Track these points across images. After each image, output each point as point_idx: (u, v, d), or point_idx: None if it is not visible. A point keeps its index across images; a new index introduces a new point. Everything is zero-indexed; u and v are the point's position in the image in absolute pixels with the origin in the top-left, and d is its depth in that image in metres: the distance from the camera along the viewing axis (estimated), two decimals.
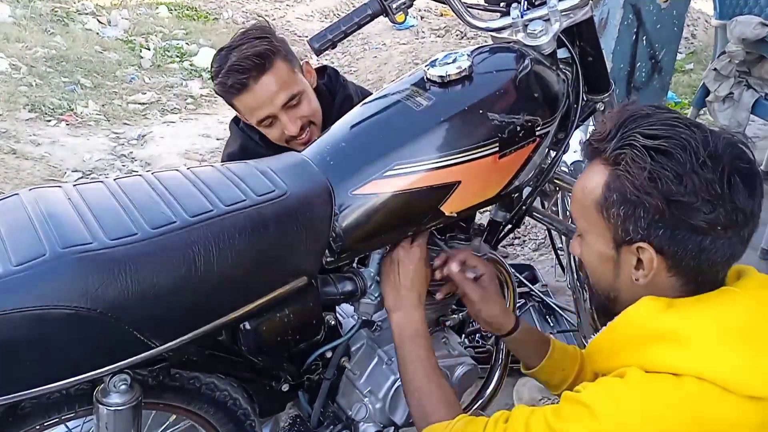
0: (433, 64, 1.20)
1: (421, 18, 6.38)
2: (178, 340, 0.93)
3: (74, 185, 1.01)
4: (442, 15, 6.38)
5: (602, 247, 0.95)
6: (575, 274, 1.66)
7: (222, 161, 1.60)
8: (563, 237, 1.67)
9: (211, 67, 1.56)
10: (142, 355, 0.90)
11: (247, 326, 1.05)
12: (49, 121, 3.90)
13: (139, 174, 1.05)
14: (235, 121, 1.70)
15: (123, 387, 0.94)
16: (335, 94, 1.68)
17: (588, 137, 0.97)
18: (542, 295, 2.07)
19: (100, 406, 0.95)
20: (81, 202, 0.95)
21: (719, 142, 0.87)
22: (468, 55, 1.19)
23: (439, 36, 6.02)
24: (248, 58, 1.45)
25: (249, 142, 1.63)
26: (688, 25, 5.78)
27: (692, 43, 5.69)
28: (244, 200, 1.00)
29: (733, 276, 0.95)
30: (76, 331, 0.85)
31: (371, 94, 1.85)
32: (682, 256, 0.89)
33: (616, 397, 0.87)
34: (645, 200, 0.87)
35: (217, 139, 3.95)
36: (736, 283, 0.92)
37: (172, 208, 0.96)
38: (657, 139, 0.87)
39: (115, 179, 1.03)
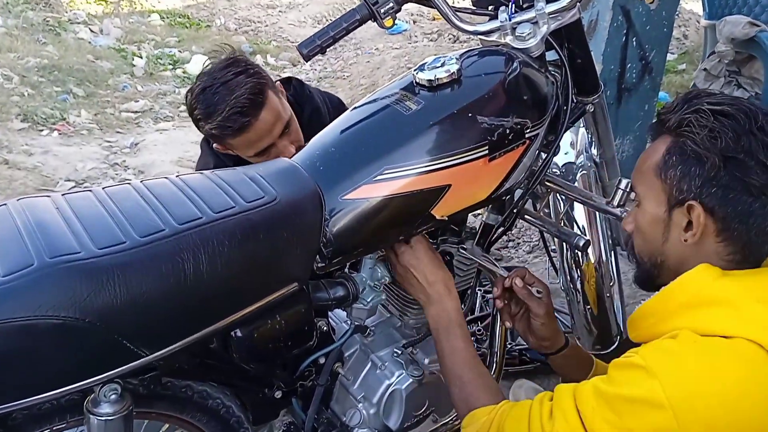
0: (422, 68, 1.20)
1: (414, 22, 6.40)
2: (168, 349, 0.93)
3: (62, 195, 1.00)
4: (434, 19, 6.40)
5: (656, 209, 0.99)
6: (568, 276, 1.66)
7: None
8: (555, 239, 1.67)
9: (192, 105, 1.52)
10: (132, 364, 0.90)
11: (239, 333, 1.05)
12: (42, 130, 3.89)
13: (127, 182, 1.05)
14: (207, 140, 1.68)
15: (113, 397, 0.94)
16: (303, 105, 1.69)
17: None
18: None
19: (91, 416, 0.94)
20: (69, 212, 0.95)
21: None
22: (457, 59, 1.19)
23: (431, 40, 6.03)
24: (246, 98, 1.45)
25: (221, 163, 1.62)
26: (679, 26, 5.81)
27: (684, 43, 5.71)
28: (234, 207, 1.00)
29: None
30: (64, 341, 0.84)
31: (339, 100, 1.86)
32: (731, 219, 0.92)
33: (674, 355, 0.88)
34: (703, 155, 0.92)
35: None
36: None
37: (160, 216, 0.95)
38: (721, 105, 0.93)
39: (103, 188, 1.02)
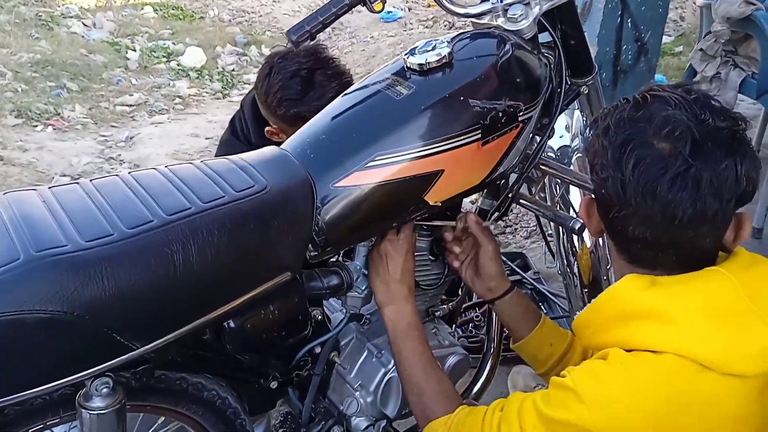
0: (412, 52, 1.18)
1: (409, 9, 6.36)
2: (159, 341, 0.92)
3: (49, 188, 0.99)
4: (429, 6, 6.34)
5: None
6: (564, 260, 1.65)
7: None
8: (551, 223, 1.66)
9: (276, 84, 1.53)
10: (123, 357, 0.89)
11: (231, 324, 1.04)
12: (36, 126, 3.87)
13: (115, 174, 1.04)
14: (234, 135, 1.68)
15: (105, 390, 0.93)
16: None
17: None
18: (535, 283, 2.06)
19: (83, 410, 0.93)
20: (56, 205, 0.93)
21: (651, 115, 0.87)
22: (448, 43, 1.18)
23: (427, 27, 5.98)
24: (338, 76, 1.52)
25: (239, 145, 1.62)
26: (676, 8, 5.76)
27: (680, 25, 5.67)
28: (223, 196, 0.99)
29: (723, 258, 0.94)
30: (53, 335, 0.83)
31: None
32: (602, 216, 0.95)
33: (600, 379, 0.87)
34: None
35: (206, 139, 3.92)
36: (723, 263, 0.92)
37: (148, 207, 0.94)
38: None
39: (90, 180, 1.01)
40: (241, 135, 1.67)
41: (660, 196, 0.84)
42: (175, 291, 0.92)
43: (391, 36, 5.69)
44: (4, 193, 0.98)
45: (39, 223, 0.89)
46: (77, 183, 1.00)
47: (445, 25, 5.86)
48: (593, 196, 0.97)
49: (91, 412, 0.93)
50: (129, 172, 1.03)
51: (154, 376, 1.03)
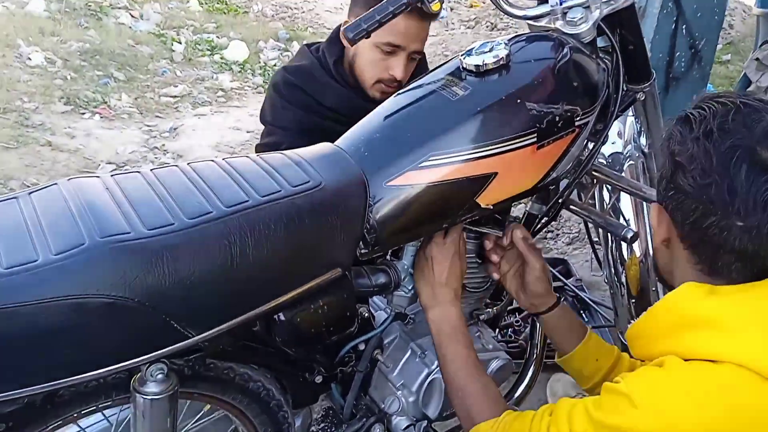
0: (469, 53, 1.17)
1: (451, 9, 6.33)
2: (213, 330, 0.93)
3: (112, 175, 1.01)
4: (471, 6, 6.32)
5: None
6: (612, 269, 1.62)
7: (275, 78, 1.66)
8: (600, 230, 1.64)
9: None
10: (179, 344, 0.90)
11: (282, 317, 1.05)
12: (84, 113, 3.96)
13: (174, 164, 1.05)
14: (308, 46, 1.73)
15: (160, 376, 0.95)
16: None
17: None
18: (576, 290, 2.03)
19: (137, 395, 0.96)
20: (119, 192, 0.96)
21: (749, 123, 0.85)
22: (505, 44, 1.17)
23: (469, 27, 5.96)
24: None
25: (311, 60, 1.65)
26: (725, 16, 5.64)
27: (729, 33, 5.54)
28: (280, 191, 1.00)
29: None
30: (113, 320, 0.85)
31: None
32: (685, 224, 0.90)
33: (655, 385, 0.86)
34: (665, 159, 0.93)
35: (248, 132, 3.97)
36: None
37: (208, 199, 0.95)
38: (689, 109, 0.91)
39: (151, 169, 1.03)
40: (314, 50, 1.69)
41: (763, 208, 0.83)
42: (230, 282, 0.93)
43: (433, 35, 5.65)
44: (69, 179, 1.00)
45: (103, 210, 0.91)
46: (139, 172, 1.02)
47: (486, 26, 5.83)
48: (664, 202, 0.94)
49: (145, 396, 0.95)
50: (188, 164, 1.05)
51: (204, 365, 1.04)
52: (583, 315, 1.98)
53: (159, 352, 0.89)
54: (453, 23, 6.05)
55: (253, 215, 0.95)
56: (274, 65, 5.29)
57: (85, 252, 0.84)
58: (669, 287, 0.99)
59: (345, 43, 1.59)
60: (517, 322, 1.89)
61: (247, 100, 4.60)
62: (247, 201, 0.96)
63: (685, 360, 0.86)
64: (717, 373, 0.83)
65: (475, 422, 1.08)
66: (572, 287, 2.02)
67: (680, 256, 0.94)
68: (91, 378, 0.88)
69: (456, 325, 1.18)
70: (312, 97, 1.60)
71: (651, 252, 1.48)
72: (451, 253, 1.19)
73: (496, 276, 1.28)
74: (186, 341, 0.90)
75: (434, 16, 1.53)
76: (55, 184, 0.99)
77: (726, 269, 0.89)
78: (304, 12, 6.66)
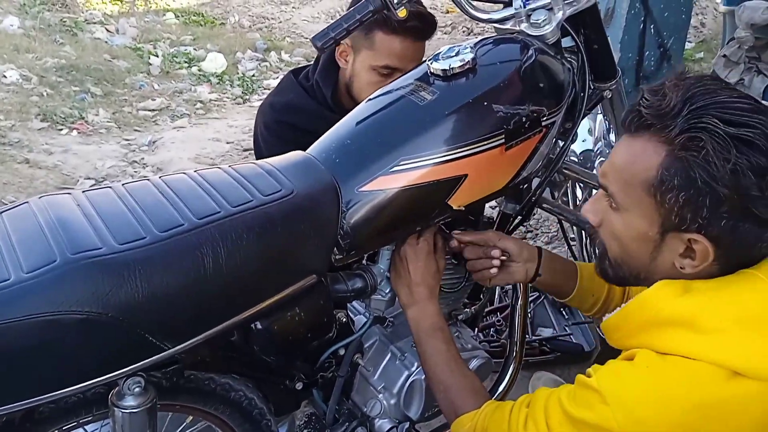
0: (436, 58, 1.19)
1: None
2: (190, 342, 0.94)
3: (83, 192, 1.02)
4: (448, 12, 6.36)
5: (644, 227, 0.89)
6: None
7: (263, 114, 1.63)
8: (574, 227, 1.66)
9: None
10: (155, 357, 0.91)
11: (259, 326, 1.06)
12: (61, 129, 3.94)
13: (146, 178, 1.06)
14: (294, 74, 1.71)
15: (137, 389, 0.95)
16: None
17: (633, 106, 0.89)
18: None
19: (115, 409, 0.96)
20: (90, 208, 0.96)
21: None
22: (471, 48, 1.19)
23: (445, 33, 6.00)
24: (434, 22, 1.56)
25: (303, 96, 1.63)
26: (696, 14, 5.72)
27: (701, 32, 5.62)
28: (251, 200, 1.01)
29: None
30: (88, 335, 0.86)
31: None
32: (736, 248, 0.85)
33: (625, 380, 0.87)
34: (719, 191, 0.81)
35: (227, 143, 3.97)
36: (758, 265, 0.89)
37: (179, 211, 0.96)
38: (738, 126, 0.80)
39: (122, 184, 1.04)
40: (302, 74, 1.69)
41: None
42: (205, 293, 0.94)
43: None
44: (40, 197, 1.01)
45: (74, 227, 0.91)
46: (110, 187, 1.03)
47: (463, 31, 5.88)
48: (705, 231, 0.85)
49: (123, 410, 0.95)
50: (160, 177, 1.06)
51: (184, 376, 1.05)
52: (564, 312, 2.00)
53: (135, 365, 0.90)
54: None
55: (226, 226, 0.96)
56: (253, 75, 5.29)
57: (57, 269, 0.85)
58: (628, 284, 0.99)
59: (341, 63, 1.60)
60: (498, 321, 1.90)
61: (226, 111, 4.60)
62: (218, 212, 0.97)
63: (660, 354, 0.87)
64: (691, 369, 0.84)
65: (457, 414, 1.10)
66: None
67: (701, 273, 0.89)
68: (68, 394, 0.88)
69: (434, 322, 1.19)
70: (306, 131, 1.49)
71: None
72: (424, 252, 1.21)
73: (482, 280, 1.28)
74: (162, 354, 0.91)
75: (429, 35, 1.55)
76: (26, 202, 0.99)
77: (736, 267, 0.89)
78: (281, 22, 6.67)
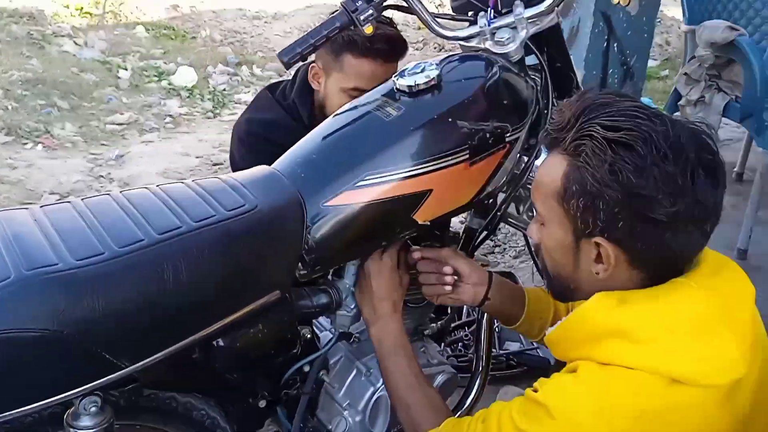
0: (402, 74, 1.20)
1: (400, 32, 6.42)
2: (148, 360, 0.92)
3: (41, 206, 1.00)
4: (419, 28, 6.42)
5: (562, 236, 0.94)
6: None
7: (239, 130, 1.63)
8: None
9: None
10: (112, 375, 0.89)
11: (221, 343, 1.04)
12: (26, 144, 3.86)
13: (107, 193, 1.04)
14: (270, 90, 1.70)
15: (93, 409, 0.93)
16: None
17: (546, 126, 0.96)
18: None
19: (71, 429, 0.94)
20: (47, 224, 0.94)
21: (682, 133, 0.87)
22: (437, 65, 1.20)
23: (417, 49, 6.06)
24: (403, 43, 1.57)
25: (281, 114, 1.63)
26: (662, 32, 5.87)
27: (666, 50, 5.77)
28: (214, 215, 1.00)
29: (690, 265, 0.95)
30: (43, 353, 0.83)
31: None
32: (642, 250, 0.89)
33: (569, 394, 0.89)
34: (605, 193, 0.85)
35: (197, 157, 3.93)
36: (689, 273, 0.92)
37: (139, 226, 0.95)
38: (617, 131, 0.85)
39: (82, 199, 1.02)
40: (278, 91, 1.68)
41: (717, 208, 0.88)
42: (164, 309, 0.92)
43: None
44: None
45: (30, 242, 0.89)
46: (69, 202, 1.01)
47: (435, 48, 5.93)
48: (608, 233, 0.89)
49: (79, 431, 0.93)
50: (120, 191, 1.04)
51: (143, 395, 1.03)
52: None
53: (91, 384, 0.88)
54: None
55: (187, 241, 0.95)
56: (224, 90, 5.27)
57: (11, 285, 0.83)
58: (568, 298, 1.01)
59: (314, 86, 1.60)
60: (466, 336, 1.91)
61: (196, 126, 4.57)
62: (180, 227, 0.96)
63: (602, 364, 0.88)
64: (631, 379, 0.85)
65: (419, 431, 1.10)
66: None
67: (622, 278, 0.92)
68: (23, 413, 0.85)
69: (396, 338, 1.19)
70: (284, 147, 1.40)
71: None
72: (388, 268, 1.21)
73: (434, 297, 1.28)
74: (119, 372, 0.89)
75: (399, 56, 1.57)
76: None
77: (664, 274, 0.91)
78: (253, 36, 6.66)
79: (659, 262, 0.90)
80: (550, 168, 0.94)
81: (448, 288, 1.23)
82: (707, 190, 0.86)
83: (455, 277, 1.23)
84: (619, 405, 0.85)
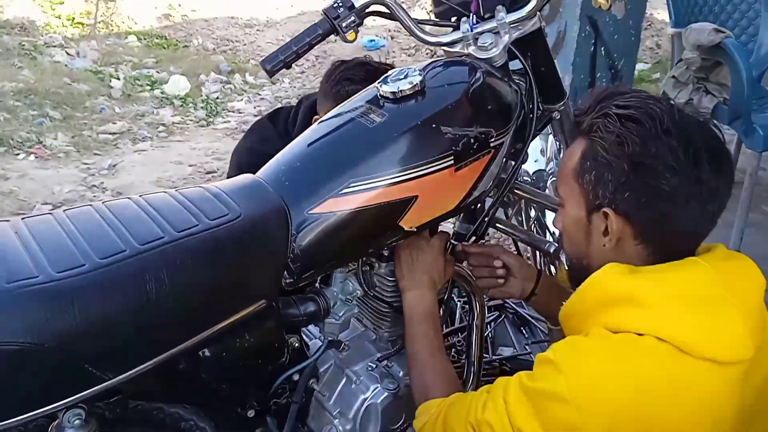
0: (385, 80, 1.20)
1: (392, 38, 6.45)
2: (133, 371, 0.91)
3: (22, 218, 0.99)
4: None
5: (577, 213, 1.00)
6: None
7: (240, 157, 1.65)
8: (529, 246, 1.67)
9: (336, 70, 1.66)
10: (96, 388, 0.88)
11: (207, 353, 1.04)
12: (18, 154, 3.86)
13: (89, 204, 1.04)
14: (271, 119, 1.73)
15: (77, 422, 0.92)
16: None
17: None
18: (516, 307, 2.07)
19: None
20: (28, 236, 0.93)
21: (690, 120, 0.94)
22: (420, 71, 1.20)
23: (409, 55, 6.08)
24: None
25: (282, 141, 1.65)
26: (652, 36, 5.90)
27: (657, 53, 5.80)
28: (197, 225, 0.99)
29: (702, 251, 0.98)
30: (24, 366, 0.83)
31: None
32: (645, 223, 0.94)
33: (579, 350, 0.91)
34: (612, 162, 0.93)
35: (190, 166, 3.93)
36: (702, 255, 0.96)
37: (121, 237, 0.94)
38: (628, 108, 0.93)
39: (64, 210, 1.01)
40: (281, 123, 1.70)
41: (721, 193, 0.93)
42: (148, 321, 0.92)
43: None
44: None
45: (10, 255, 0.89)
46: (51, 214, 1.00)
47: (427, 53, 5.95)
48: (614, 205, 0.95)
49: None
50: (103, 202, 1.03)
51: (130, 407, 1.02)
52: (524, 331, 2.01)
53: (74, 397, 0.87)
54: (394, 51, 6.16)
55: (170, 251, 0.94)
56: (217, 98, 5.28)
57: None
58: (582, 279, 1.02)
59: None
60: (459, 342, 1.90)
61: (189, 134, 4.57)
62: (162, 237, 0.95)
63: (612, 331, 0.91)
64: (640, 343, 0.88)
65: (428, 396, 1.12)
66: (512, 304, 2.06)
67: (628, 252, 0.97)
68: (6, 427, 0.85)
69: (430, 309, 1.21)
70: None
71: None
72: (436, 248, 1.24)
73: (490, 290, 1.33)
74: (103, 384, 0.88)
75: None
76: None
77: (670, 253, 0.95)
78: (245, 45, 6.68)
79: (662, 237, 0.94)
80: (570, 151, 1.02)
81: (501, 281, 1.30)
82: (710, 172, 0.90)
83: (506, 271, 1.29)
84: (630, 366, 0.87)
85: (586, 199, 0.98)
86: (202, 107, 5.06)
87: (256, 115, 4.85)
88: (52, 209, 3.27)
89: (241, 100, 5.33)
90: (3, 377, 0.82)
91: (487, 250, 1.33)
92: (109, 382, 0.89)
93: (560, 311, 1.05)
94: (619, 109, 0.94)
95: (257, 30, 7.05)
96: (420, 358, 1.17)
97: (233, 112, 5.08)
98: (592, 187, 0.96)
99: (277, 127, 1.69)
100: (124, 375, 0.90)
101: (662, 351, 0.86)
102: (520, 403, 0.92)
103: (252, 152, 1.65)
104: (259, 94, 5.51)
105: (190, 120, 4.84)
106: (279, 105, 5.03)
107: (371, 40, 6.18)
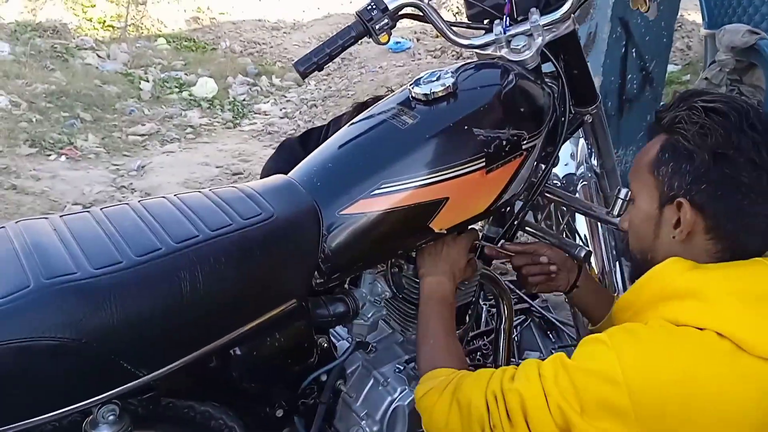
0: (417, 82, 1.20)
1: (417, 40, 6.45)
2: (166, 368, 0.92)
3: (60, 216, 1.01)
4: (437, 36, 6.44)
5: (648, 206, 0.99)
6: None
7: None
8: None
9: None
10: (130, 384, 0.89)
11: (238, 352, 1.05)
12: (49, 155, 3.94)
13: (125, 203, 1.05)
14: (302, 143, 1.75)
15: (111, 417, 0.93)
16: None
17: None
18: (542, 311, 2.05)
19: None
20: (66, 233, 0.95)
21: None
22: (452, 73, 1.20)
23: (435, 57, 6.07)
24: None
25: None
26: (683, 37, 5.81)
27: (688, 54, 5.71)
28: (231, 224, 1.00)
29: None
30: (61, 362, 0.84)
31: None
32: (720, 216, 0.92)
33: (637, 337, 0.88)
34: (694, 152, 0.92)
35: (217, 167, 3.97)
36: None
37: (157, 235, 0.95)
38: (714, 102, 0.93)
39: (101, 209, 1.03)
40: (312, 146, 1.70)
41: None
42: (182, 318, 0.93)
43: (400, 66, 5.76)
44: (16, 222, 1.00)
45: (49, 251, 0.90)
46: (88, 211, 1.02)
47: (453, 55, 5.94)
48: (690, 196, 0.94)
49: None
50: (139, 201, 1.05)
51: (161, 404, 1.03)
52: (550, 335, 1.99)
53: (109, 393, 0.88)
54: (419, 53, 6.16)
55: (204, 250, 0.95)
56: (243, 100, 5.33)
57: (30, 294, 0.83)
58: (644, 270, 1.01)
59: None
60: (484, 345, 1.89)
61: (216, 136, 4.62)
62: (197, 236, 0.96)
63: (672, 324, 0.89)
64: (701, 338, 0.86)
65: (435, 365, 1.08)
66: (538, 308, 2.04)
67: (697, 247, 0.95)
68: (42, 421, 0.86)
69: (447, 296, 1.19)
70: None
71: (607, 269, 1.51)
72: (462, 245, 1.23)
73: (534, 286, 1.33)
74: (137, 380, 0.90)
75: None
76: (3, 227, 0.98)
77: (738, 252, 0.94)
78: (272, 47, 6.73)
79: (735, 234, 0.93)
80: (648, 147, 1.01)
81: (553, 275, 1.29)
82: None
83: (556, 264, 1.29)
84: (684, 360, 0.85)
85: (660, 192, 0.97)
86: (229, 109, 5.11)
87: (281, 117, 4.89)
88: (81, 210, 3.33)
89: (268, 102, 5.38)
90: (41, 372, 0.83)
91: (530, 247, 1.32)
92: (143, 378, 0.90)
93: (614, 304, 1.03)
94: (705, 102, 0.94)
95: (284, 33, 7.10)
96: (432, 332, 1.14)
97: (260, 114, 5.12)
98: (668, 179, 0.95)
99: (307, 150, 1.70)
100: (157, 371, 0.91)
101: (721, 347, 0.85)
102: (558, 377, 0.90)
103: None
104: (285, 96, 5.55)
105: (217, 122, 4.89)
106: (304, 106, 5.05)
107: (397, 42, 6.19)
